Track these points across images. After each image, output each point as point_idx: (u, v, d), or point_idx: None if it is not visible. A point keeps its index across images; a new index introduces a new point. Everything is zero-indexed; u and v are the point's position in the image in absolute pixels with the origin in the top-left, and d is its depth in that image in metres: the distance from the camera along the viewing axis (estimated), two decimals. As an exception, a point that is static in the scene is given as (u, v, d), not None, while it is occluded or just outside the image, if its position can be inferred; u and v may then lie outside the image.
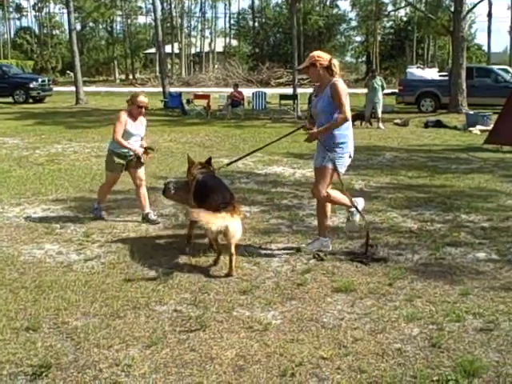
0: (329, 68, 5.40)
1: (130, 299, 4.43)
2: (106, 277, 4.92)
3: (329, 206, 5.78)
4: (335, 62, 5.45)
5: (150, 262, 5.30)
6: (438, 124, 18.47)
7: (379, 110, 18.19)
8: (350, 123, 5.51)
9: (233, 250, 4.96)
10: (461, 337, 3.85)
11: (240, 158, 6.31)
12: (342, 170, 5.57)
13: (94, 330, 3.90)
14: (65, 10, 49.31)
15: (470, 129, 17.31)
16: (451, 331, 3.93)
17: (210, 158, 6.04)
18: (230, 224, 4.90)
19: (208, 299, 4.45)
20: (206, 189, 5.42)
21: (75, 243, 5.91)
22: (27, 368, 3.43)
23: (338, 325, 4.03)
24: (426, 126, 18.45)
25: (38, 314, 4.16)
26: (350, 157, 5.60)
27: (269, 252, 5.63)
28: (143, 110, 6.91)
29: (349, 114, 5.39)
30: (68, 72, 59.77)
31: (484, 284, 4.80)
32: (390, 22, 63.37)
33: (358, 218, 5.78)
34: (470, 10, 23.05)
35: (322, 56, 5.46)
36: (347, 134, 5.51)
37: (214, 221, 4.80)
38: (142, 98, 6.83)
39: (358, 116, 18.67)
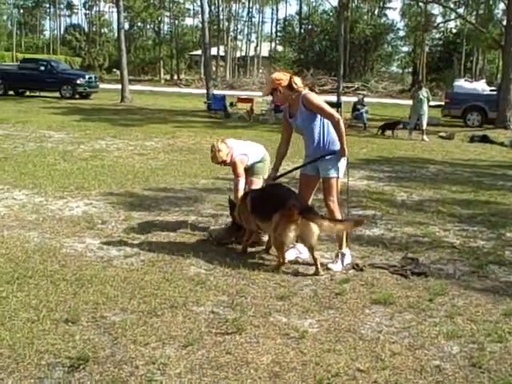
0: (290, 86, 5.33)
1: (168, 298, 4.44)
2: (144, 274, 4.95)
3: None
4: (296, 79, 5.38)
5: (189, 262, 5.31)
6: (485, 139, 18.14)
7: (424, 122, 17.96)
8: None
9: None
10: (503, 358, 3.75)
11: (289, 172, 6.18)
12: (342, 174, 5.54)
13: (131, 326, 3.93)
14: (114, 9, 50.20)
15: (518, 145, 16.96)
16: (493, 352, 3.83)
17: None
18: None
19: (245, 303, 4.43)
20: (273, 197, 5.41)
21: (115, 239, 5.97)
22: (65, 359, 3.46)
23: (375, 337, 3.96)
24: (472, 140, 18.14)
25: (77, 306, 4.21)
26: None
27: (307, 259, 5.58)
28: None
29: (336, 113, 5.39)
30: (114, 70, 60.68)
31: (528, 305, 4.67)
32: (439, 34, 62.64)
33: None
34: (523, 25, 22.54)
35: (281, 78, 5.39)
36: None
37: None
38: None
39: (387, 126, 18.49)
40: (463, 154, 15.14)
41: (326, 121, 5.36)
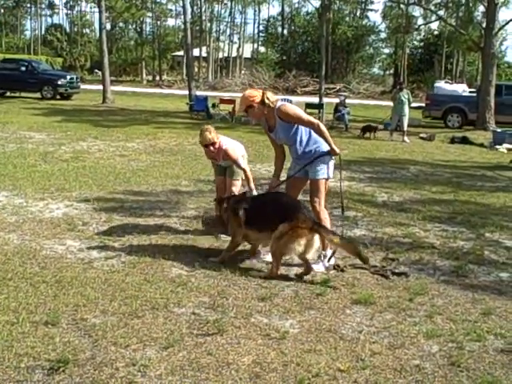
0: (263, 102, 5.38)
1: (149, 299, 4.43)
2: (125, 276, 4.93)
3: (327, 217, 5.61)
4: (269, 94, 5.45)
5: (170, 264, 5.30)
6: (464, 140, 18.31)
7: (405, 124, 18.08)
8: None
9: None
10: (481, 357, 3.79)
11: (282, 182, 6.20)
12: (332, 174, 5.61)
13: (112, 328, 3.91)
14: (96, 9, 49.82)
15: (497, 147, 17.12)
16: (471, 350, 3.87)
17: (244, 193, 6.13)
18: None
19: (226, 304, 4.44)
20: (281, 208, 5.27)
21: (96, 241, 5.94)
22: (45, 362, 3.44)
23: (356, 337, 3.99)
24: (452, 141, 18.30)
25: (57, 309, 4.19)
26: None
27: (288, 260, 5.59)
28: None
29: (313, 119, 5.46)
30: (96, 71, 60.34)
31: (506, 305, 4.72)
32: (420, 36, 63.13)
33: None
34: (501, 27, 22.88)
35: (254, 94, 5.45)
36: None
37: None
38: None
39: (368, 128, 18.60)
40: (443, 155, 15.27)
41: (305, 129, 5.44)
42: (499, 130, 18.96)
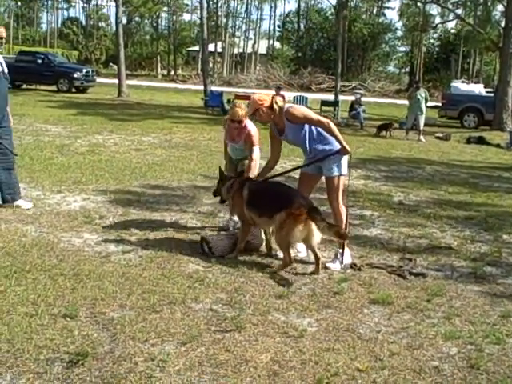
0: (272, 107, 5.41)
1: (167, 294, 4.43)
2: (143, 270, 4.94)
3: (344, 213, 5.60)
4: (278, 99, 5.48)
5: (187, 259, 5.30)
6: (481, 141, 18.20)
7: (421, 123, 17.99)
8: None
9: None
10: (500, 360, 3.76)
11: (286, 172, 6.26)
12: (346, 171, 5.60)
13: (130, 322, 3.92)
14: (112, 3, 49.91)
15: (514, 147, 17.01)
16: (490, 353, 3.84)
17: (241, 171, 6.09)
18: None
19: (244, 301, 4.43)
20: (281, 193, 5.40)
21: (113, 234, 5.95)
22: (64, 355, 3.45)
23: (374, 337, 3.97)
24: (468, 141, 18.20)
25: (75, 302, 4.20)
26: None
27: (305, 258, 5.58)
28: None
29: (322, 118, 5.47)
30: (111, 64, 60.61)
31: (525, 308, 4.68)
32: (437, 34, 62.75)
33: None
34: (521, 27, 22.59)
35: (263, 98, 5.49)
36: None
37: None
38: None
39: (384, 126, 18.52)
40: (459, 155, 15.17)
41: (314, 128, 5.44)
42: (516, 131, 18.81)
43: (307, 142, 5.45)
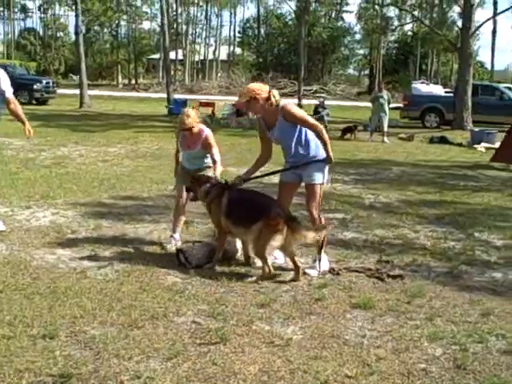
0: (269, 99, 5.29)
1: (147, 309, 4.35)
2: (120, 285, 4.85)
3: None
4: (275, 92, 5.36)
5: (164, 271, 5.22)
6: (443, 140, 18.51)
7: (385, 124, 18.19)
8: None
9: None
10: (485, 358, 3.78)
11: (268, 174, 6.17)
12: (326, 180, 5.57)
13: (112, 339, 3.83)
14: (70, 13, 49.17)
15: (475, 146, 17.33)
16: (475, 352, 3.87)
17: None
18: None
19: (226, 311, 4.38)
20: (256, 203, 5.34)
21: (87, 249, 5.83)
22: (47, 377, 3.35)
23: (360, 342, 3.96)
24: (431, 141, 18.49)
25: (54, 321, 4.08)
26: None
27: (284, 265, 5.55)
28: None
29: (317, 123, 5.42)
30: (71, 75, 59.88)
31: (503, 305, 4.73)
32: (394, 37, 63.73)
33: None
34: (478, 28, 23.17)
35: (261, 89, 5.33)
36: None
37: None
38: None
39: (348, 129, 18.69)
40: (424, 155, 15.39)
41: (304, 129, 5.36)
42: (477, 130, 19.19)
43: (293, 144, 5.37)
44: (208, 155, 6.00)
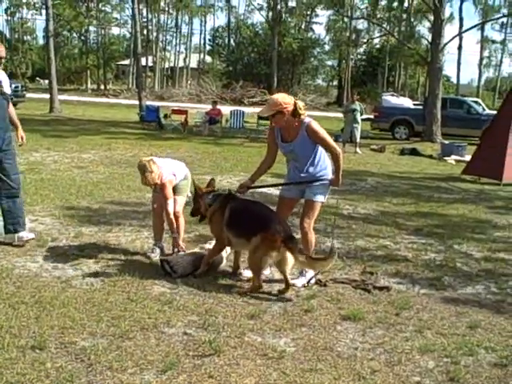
0: (295, 111, 5.21)
1: (137, 320, 4.29)
2: (107, 294, 4.76)
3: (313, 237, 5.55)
4: (299, 103, 5.26)
5: (151, 281, 5.15)
6: (414, 152, 18.76)
7: (358, 135, 18.35)
8: None
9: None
10: (477, 371, 3.82)
11: (265, 186, 6.20)
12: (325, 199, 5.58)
13: (104, 351, 3.75)
14: (38, 16, 48.38)
15: (446, 158, 17.60)
16: (466, 365, 3.90)
17: (212, 179, 5.87)
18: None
19: (217, 323, 4.33)
20: (258, 216, 5.23)
21: (70, 258, 5.72)
22: (40, 390, 3.27)
23: (353, 355, 3.96)
24: (402, 153, 18.71)
25: (42, 332, 3.99)
26: None
27: (270, 276, 5.53)
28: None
29: (337, 146, 5.42)
30: (38, 79, 59.04)
31: (489, 317, 4.80)
32: (362, 49, 64.59)
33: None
34: (447, 43, 23.58)
35: (287, 102, 5.18)
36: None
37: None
38: None
39: None
40: (397, 166, 15.57)
41: (320, 149, 5.34)
42: (447, 143, 19.51)
43: (309, 161, 5.32)
44: (182, 173, 6.07)
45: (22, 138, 6.41)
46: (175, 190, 6.00)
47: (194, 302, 4.75)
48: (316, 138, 5.26)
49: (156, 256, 5.89)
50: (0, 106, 5.90)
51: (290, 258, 5.00)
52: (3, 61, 5.92)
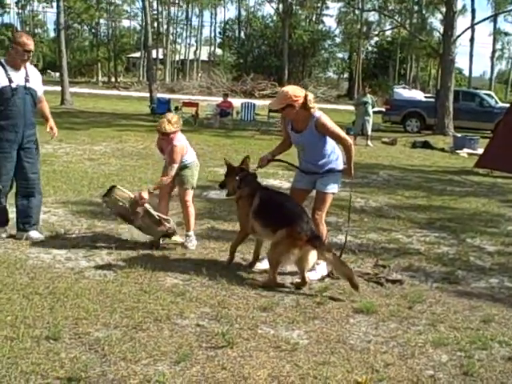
0: (305, 104, 5.19)
1: (150, 311, 4.30)
2: (120, 286, 4.78)
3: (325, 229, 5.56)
4: (310, 96, 5.23)
5: (163, 273, 5.16)
6: (426, 145, 18.67)
7: (369, 128, 18.30)
8: None
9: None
10: (491, 365, 3.80)
11: (286, 162, 6.11)
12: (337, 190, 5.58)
13: (117, 342, 3.76)
14: (48, 9, 48.46)
15: (458, 151, 17.50)
16: (480, 359, 3.88)
17: (247, 157, 5.70)
18: None
19: (230, 315, 4.34)
20: (288, 211, 5.20)
21: (83, 249, 5.75)
22: (54, 380, 3.28)
23: (366, 348, 3.95)
24: (414, 146, 18.63)
25: (56, 322, 4.00)
26: None
27: (282, 268, 5.51)
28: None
29: (348, 137, 5.43)
30: (49, 71, 59.18)
31: (503, 311, 4.77)
32: (373, 41, 64.26)
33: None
34: (460, 35, 23.38)
35: (298, 95, 5.16)
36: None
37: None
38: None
39: None
40: (408, 159, 15.51)
41: (329, 140, 5.33)
42: (459, 136, 19.39)
43: (317, 154, 5.33)
44: (188, 155, 6.07)
45: (51, 129, 6.39)
46: (179, 179, 6.10)
47: (207, 293, 4.75)
48: (326, 131, 5.26)
49: (193, 245, 6.09)
50: (22, 101, 5.75)
51: (312, 256, 4.96)
52: (31, 54, 5.75)
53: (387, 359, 3.80)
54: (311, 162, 5.41)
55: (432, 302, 4.89)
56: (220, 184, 5.80)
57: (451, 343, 4.10)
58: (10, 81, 5.63)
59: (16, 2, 75.68)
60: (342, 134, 5.37)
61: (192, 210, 6.18)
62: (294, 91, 5.23)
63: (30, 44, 5.65)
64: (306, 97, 5.18)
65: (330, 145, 5.37)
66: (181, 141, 5.97)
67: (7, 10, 78.94)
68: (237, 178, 5.46)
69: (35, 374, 3.33)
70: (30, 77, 5.81)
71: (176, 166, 5.89)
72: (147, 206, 5.85)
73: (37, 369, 3.38)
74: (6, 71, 5.61)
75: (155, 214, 5.85)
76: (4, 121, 5.66)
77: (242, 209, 5.46)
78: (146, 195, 5.82)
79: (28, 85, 5.79)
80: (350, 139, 5.43)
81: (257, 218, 5.26)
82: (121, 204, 5.85)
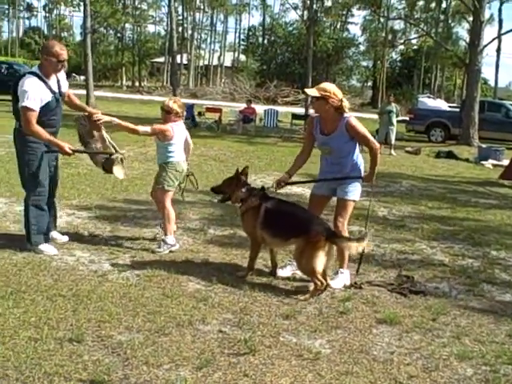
0: (339, 108, 5.21)
1: (173, 316, 4.30)
2: (143, 290, 4.79)
3: None
4: (346, 103, 5.25)
5: (186, 278, 5.16)
6: (450, 155, 18.49)
7: (393, 137, 18.19)
8: None
9: None
10: (517, 381, 3.74)
11: (303, 182, 6.53)
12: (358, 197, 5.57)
13: (140, 346, 3.77)
14: (75, 13, 48.94)
15: (483, 162, 17.30)
16: (506, 374, 3.82)
17: (246, 167, 5.73)
18: None
19: (252, 322, 4.32)
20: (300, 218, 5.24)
21: (106, 252, 5.78)
22: (77, 383, 3.30)
23: (389, 359, 3.91)
24: (438, 156, 18.46)
25: (79, 324, 4.03)
26: None
27: (305, 276, 5.49)
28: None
29: (376, 142, 5.44)
30: (74, 75, 59.78)
31: (529, 326, 4.70)
32: (398, 49, 63.93)
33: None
34: (486, 45, 23.16)
35: (336, 94, 5.19)
36: None
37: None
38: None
39: None
40: (432, 169, 15.37)
41: (356, 147, 5.37)
42: (484, 146, 19.17)
43: (345, 157, 5.34)
44: (170, 150, 6.02)
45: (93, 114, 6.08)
46: (156, 177, 6.21)
47: (229, 300, 4.74)
48: (355, 132, 5.26)
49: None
50: (59, 108, 5.74)
51: (333, 252, 5.08)
52: (65, 64, 5.61)
53: (411, 371, 3.75)
54: (337, 163, 5.39)
55: (456, 315, 4.83)
56: (214, 189, 5.77)
57: (476, 357, 4.04)
58: (53, 92, 5.52)
59: (43, 6, 76.93)
60: (371, 137, 5.40)
61: (169, 214, 6.06)
62: (335, 90, 5.28)
63: (64, 53, 5.46)
64: (342, 101, 5.22)
65: (355, 152, 5.39)
66: (173, 128, 5.96)
67: (35, 13, 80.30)
68: (243, 190, 5.46)
69: (58, 376, 3.35)
70: (60, 80, 5.74)
71: (148, 130, 5.97)
72: (104, 132, 5.99)
73: (60, 370, 3.40)
74: (45, 83, 5.45)
75: (110, 140, 6.00)
76: (47, 129, 5.60)
77: (247, 222, 5.43)
78: (105, 117, 5.95)
79: (61, 90, 5.73)
80: (377, 143, 5.42)
81: (265, 229, 5.25)
82: (84, 124, 5.93)
